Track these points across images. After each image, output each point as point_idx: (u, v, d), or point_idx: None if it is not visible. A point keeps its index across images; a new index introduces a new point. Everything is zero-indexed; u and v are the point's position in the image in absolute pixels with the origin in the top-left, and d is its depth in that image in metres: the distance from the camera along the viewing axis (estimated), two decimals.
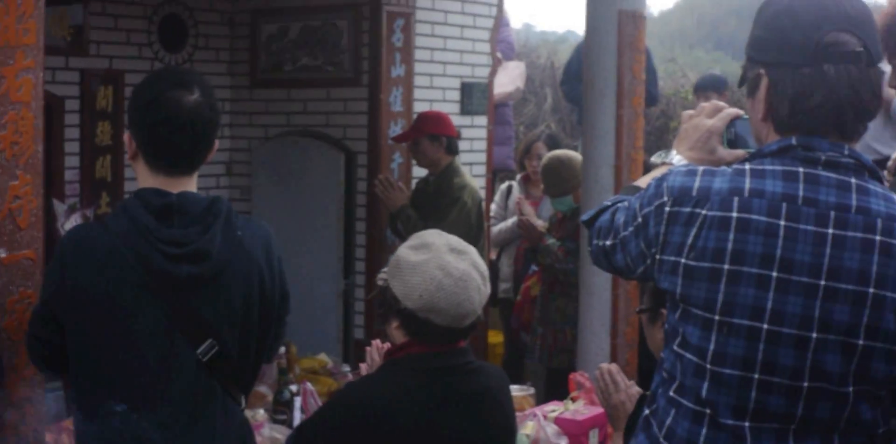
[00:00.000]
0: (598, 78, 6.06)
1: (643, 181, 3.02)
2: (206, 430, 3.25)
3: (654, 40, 15.14)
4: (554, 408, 4.96)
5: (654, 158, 3.24)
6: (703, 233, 2.57)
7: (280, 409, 5.21)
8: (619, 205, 2.85)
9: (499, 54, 8.77)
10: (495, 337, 8.27)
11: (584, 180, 6.15)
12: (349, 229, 7.29)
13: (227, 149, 7.70)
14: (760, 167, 2.62)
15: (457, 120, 7.53)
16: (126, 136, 3.34)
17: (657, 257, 2.67)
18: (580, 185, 6.44)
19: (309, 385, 5.38)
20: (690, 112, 3.11)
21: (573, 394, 5.05)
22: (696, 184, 2.62)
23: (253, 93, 7.74)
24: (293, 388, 5.37)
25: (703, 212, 2.58)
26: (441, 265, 3.32)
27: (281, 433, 4.81)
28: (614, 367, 3.95)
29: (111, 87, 6.94)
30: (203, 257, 3.20)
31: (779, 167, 2.60)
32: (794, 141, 2.62)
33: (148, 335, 3.18)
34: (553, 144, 8.21)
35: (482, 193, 7.74)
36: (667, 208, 2.63)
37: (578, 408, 4.86)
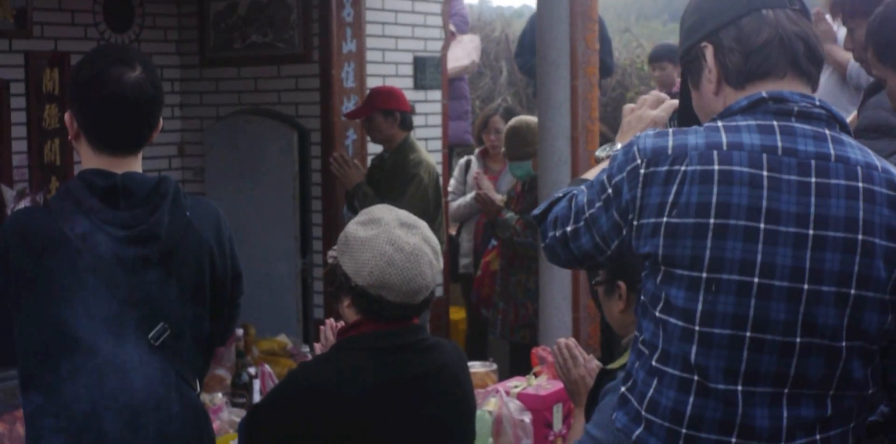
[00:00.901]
0: (550, 49, 5.98)
1: (591, 175, 2.99)
2: (162, 414, 3.19)
3: (609, 13, 15.10)
4: (517, 384, 4.92)
5: (599, 152, 3.19)
6: (685, 188, 2.52)
7: (239, 392, 5.16)
8: (574, 191, 2.80)
9: (452, 28, 8.69)
10: (457, 313, 8.22)
11: (540, 152, 6.07)
12: (305, 207, 7.22)
13: (178, 129, 7.61)
14: (734, 123, 2.59)
15: (410, 95, 7.45)
16: (67, 115, 3.26)
17: (635, 223, 2.60)
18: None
19: (267, 367, 5.32)
20: (632, 105, 3.09)
21: (536, 369, 5.00)
22: (671, 142, 2.58)
23: (203, 72, 7.63)
24: (252, 370, 5.32)
25: (682, 168, 2.53)
26: (391, 240, 3.25)
27: (240, 416, 4.73)
28: (572, 341, 3.91)
29: (57, 69, 6.81)
30: (151, 238, 3.13)
31: (752, 122, 2.58)
32: (763, 94, 2.60)
33: (98, 320, 3.11)
34: (510, 116, 8.14)
35: (439, 169, 7.68)
36: (641, 170, 2.58)
37: (541, 383, 4.82)
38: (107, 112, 3.18)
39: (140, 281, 3.14)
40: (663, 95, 3.08)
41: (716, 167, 2.50)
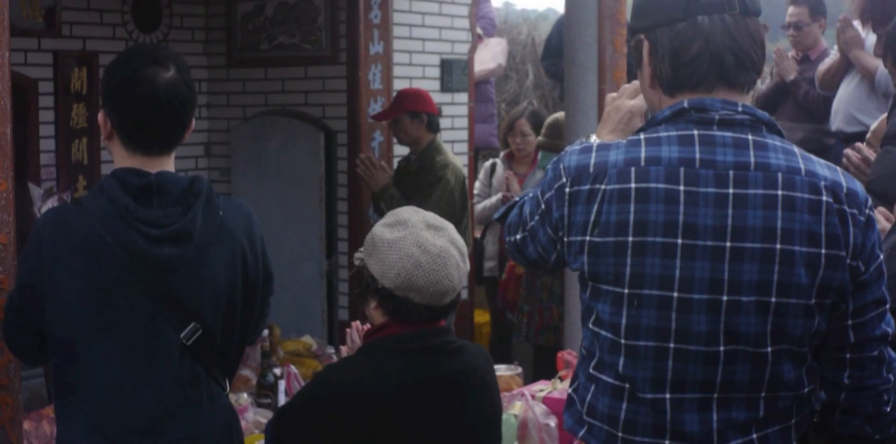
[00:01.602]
0: (579, 52, 5.97)
1: None
2: (191, 414, 3.19)
3: None
4: (542, 387, 4.90)
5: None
6: (605, 208, 2.58)
7: (264, 393, 5.15)
8: (525, 198, 2.87)
9: (480, 31, 8.68)
10: (482, 316, 8.21)
11: None
12: (331, 208, 7.22)
13: (205, 130, 7.62)
14: (655, 135, 2.63)
15: (437, 97, 7.44)
16: (101, 115, 3.26)
17: (565, 239, 2.68)
18: None
19: (293, 368, 5.31)
20: (613, 95, 3.11)
21: (561, 373, 4.98)
22: (592, 160, 2.64)
23: (230, 73, 7.64)
24: (277, 371, 5.31)
25: (602, 187, 2.60)
26: (418, 242, 3.24)
27: (265, 416, 4.74)
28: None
29: (85, 68, 6.84)
30: (185, 237, 3.12)
31: (673, 133, 2.62)
32: (685, 104, 2.64)
33: (130, 319, 3.12)
34: (536, 120, 8.13)
35: (465, 171, 7.67)
36: (567, 189, 2.66)
37: (566, 387, 4.79)
38: (140, 112, 3.18)
39: (173, 280, 3.14)
40: None
41: (633, 185, 2.56)
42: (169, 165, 3.24)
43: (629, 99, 3.06)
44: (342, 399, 3.17)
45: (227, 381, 3.33)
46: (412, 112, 6.69)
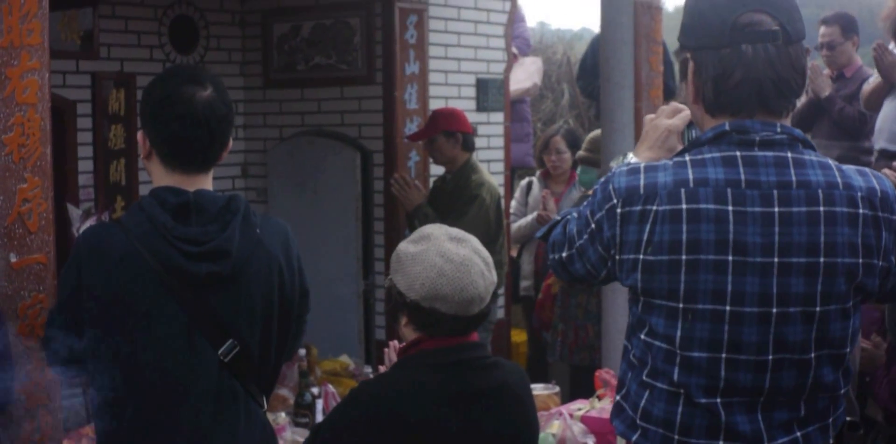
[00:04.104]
0: (615, 71, 5.96)
1: None
2: (229, 432, 3.20)
3: (670, 36, 15.03)
4: (580, 406, 4.89)
5: (612, 164, 3.24)
6: (657, 228, 2.72)
7: (302, 412, 5.16)
8: (569, 217, 3.00)
9: (515, 50, 8.69)
10: (519, 336, 8.20)
11: (603, 173, 6.05)
12: (367, 228, 7.23)
13: (241, 150, 7.65)
14: (700, 157, 2.77)
15: (473, 117, 7.46)
16: (140, 135, 3.30)
17: (617, 257, 2.81)
18: None
19: (330, 387, 5.32)
20: (651, 116, 3.21)
21: (599, 392, 4.97)
22: (642, 181, 2.77)
23: (266, 93, 7.68)
24: (315, 390, 5.32)
25: (654, 208, 2.73)
26: (441, 252, 3.24)
27: (302, 436, 4.73)
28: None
29: (123, 89, 6.89)
30: (223, 254, 3.14)
31: (717, 154, 2.76)
32: (727, 127, 2.77)
33: (168, 336, 3.14)
34: (572, 139, 8.13)
35: (501, 191, 7.67)
36: (618, 210, 2.78)
37: (605, 406, 4.79)
38: (178, 130, 3.20)
39: (211, 297, 3.15)
40: (680, 105, 3.18)
41: (684, 206, 2.70)
42: (207, 183, 3.26)
43: (667, 119, 3.14)
44: (375, 415, 3.17)
45: (264, 398, 3.33)
46: (447, 132, 6.70)
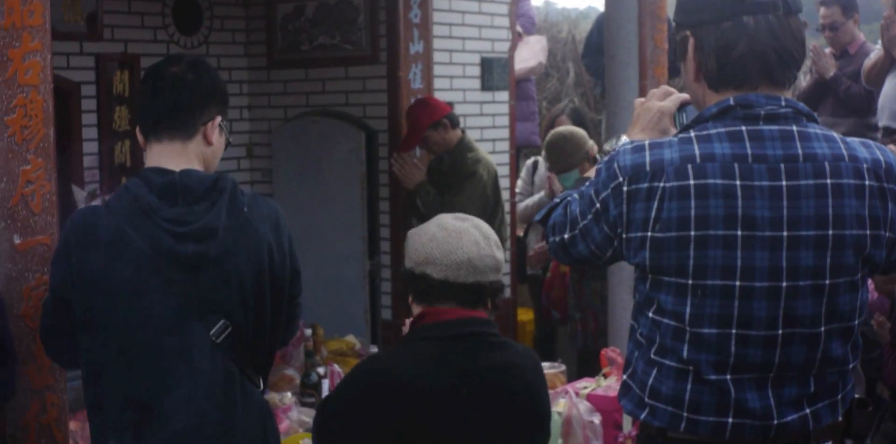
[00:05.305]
0: (619, 48, 5.96)
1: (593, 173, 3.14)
2: (225, 412, 3.19)
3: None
4: (586, 385, 4.90)
5: (606, 146, 3.29)
6: (665, 204, 2.72)
7: (308, 392, 5.17)
8: (569, 198, 2.99)
9: (519, 29, 8.66)
10: (525, 315, 8.19)
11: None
12: (373, 208, 7.22)
13: (246, 131, 7.65)
14: (705, 132, 2.77)
15: (478, 96, 7.45)
16: (138, 129, 3.34)
17: (623, 236, 2.81)
18: (585, 159, 6.54)
19: (336, 367, 5.32)
20: (641, 99, 3.22)
21: (605, 370, 4.98)
22: (648, 159, 2.76)
23: (271, 74, 7.66)
24: (321, 370, 5.33)
25: (661, 184, 2.72)
26: (439, 224, 3.35)
27: (309, 415, 4.75)
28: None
29: (127, 71, 6.88)
30: (209, 234, 3.13)
31: (722, 129, 2.76)
32: (731, 101, 2.78)
33: (158, 316, 3.13)
34: (577, 117, 8.12)
35: (506, 170, 7.66)
36: (624, 188, 2.78)
37: (611, 384, 4.80)
38: (148, 99, 3.27)
39: (199, 278, 3.14)
40: (671, 88, 3.20)
41: (691, 182, 2.70)
42: (191, 159, 3.26)
43: (658, 101, 3.15)
44: (378, 387, 3.21)
45: (260, 379, 3.33)
46: (432, 124, 6.67)
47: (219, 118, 3.29)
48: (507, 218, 7.27)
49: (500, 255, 3.37)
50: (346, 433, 3.24)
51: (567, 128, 7.05)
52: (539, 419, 3.42)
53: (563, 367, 5.32)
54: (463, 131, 6.81)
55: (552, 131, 7.04)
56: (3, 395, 3.35)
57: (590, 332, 6.73)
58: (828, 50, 8.16)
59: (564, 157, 6.71)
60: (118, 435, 3.16)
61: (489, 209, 6.61)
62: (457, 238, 3.29)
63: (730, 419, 2.76)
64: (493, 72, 7.73)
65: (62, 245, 3.19)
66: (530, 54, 9.45)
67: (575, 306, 6.83)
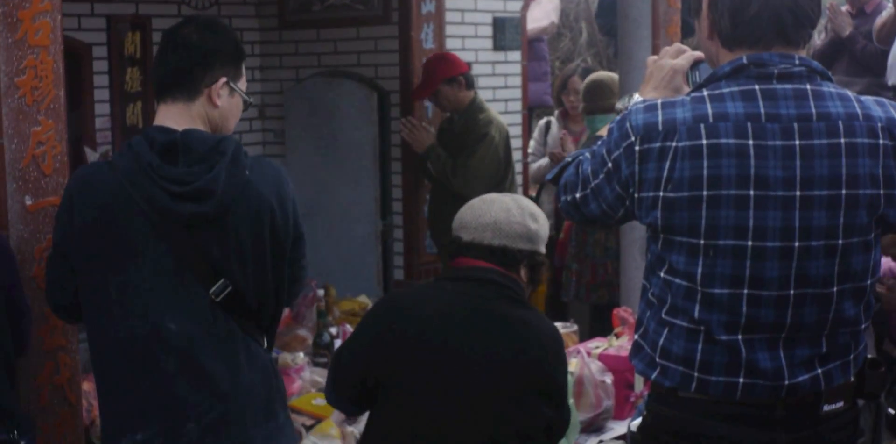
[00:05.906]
0: (632, 7, 5.92)
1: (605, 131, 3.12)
2: (229, 371, 3.20)
3: None
4: (598, 344, 4.91)
5: (619, 104, 3.25)
6: (678, 164, 2.73)
7: (320, 352, 5.18)
8: (581, 157, 2.98)
9: None
10: None
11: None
12: (385, 169, 7.21)
13: (258, 92, 7.62)
14: (718, 91, 2.76)
15: (490, 56, 7.42)
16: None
17: (636, 195, 2.80)
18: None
19: (348, 327, 5.33)
20: (654, 57, 3.22)
21: (617, 330, 4.98)
22: (660, 118, 2.75)
23: (282, 34, 7.63)
24: (333, 330, 5.34)
25: (674, 144, 2.71)
26: (483, 197, 3.57)
27: (321, 376, 4.76)
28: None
29: (139, 32, 6.85)
30: (206, 195, 3.13)
31: (735, 88, 2.75)
32: (744, 60, 2.77)
33: (157, 274, 3.14)
34: None
35: (518, 130, 7.64)
36: (636, 147, 2.77)
37: (622, 344, 4.80)
38: (157, 61, 3.30)
39: (197, 238, 3.15)
40: (683, 46, 3.18)
41: (704, 142, 2.69)
42: (195, 120, 3.25)
43: (671, 59, 3.13)
44: (389, 309, 3.48)
45: (265, 340, 3.33)
46: (447, 79, 6.63)
47: (223, 80, 3.27)
48: (519, 179, 7.25)
49: (536, 227, 3.44)
50: (357, 351, 3.46)
51: (610, 73, 7.03)
52: (547, 394, 3.43)
53: (576, 327, 5.33)
54: (475, 93, 6.77)
55: (594, 73, 7.05)
56: (17, 350, 3.37)
57: (585, 284, 6.74)
58: (844, 8, 8.11)
59: (603, 98, 6.66)
60: (124, 395, 3.18)
61: (501, 171, 6.59)
62: (489, 204, 3.49)
63: (741, 379, 2.77)
64: (505, 32, 7.69)
65: (65, 200, 3.21)
66: (542, 14, 9.43)
67: (574, 256, 6.82)
